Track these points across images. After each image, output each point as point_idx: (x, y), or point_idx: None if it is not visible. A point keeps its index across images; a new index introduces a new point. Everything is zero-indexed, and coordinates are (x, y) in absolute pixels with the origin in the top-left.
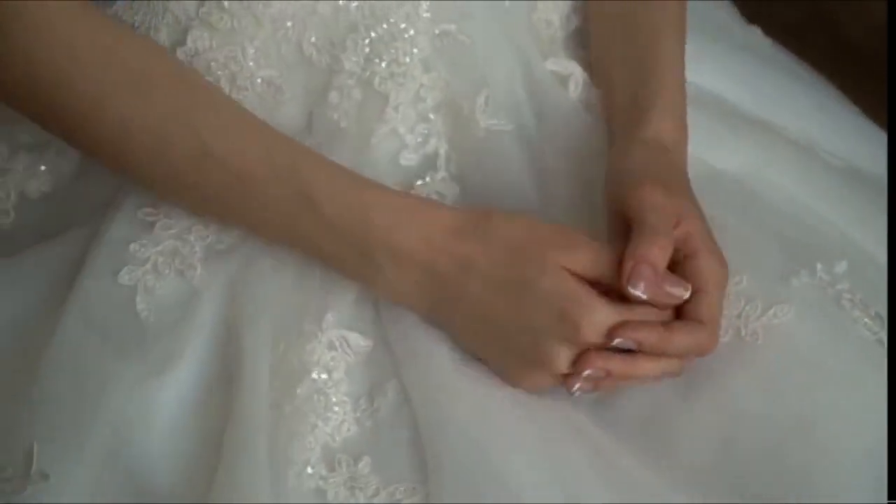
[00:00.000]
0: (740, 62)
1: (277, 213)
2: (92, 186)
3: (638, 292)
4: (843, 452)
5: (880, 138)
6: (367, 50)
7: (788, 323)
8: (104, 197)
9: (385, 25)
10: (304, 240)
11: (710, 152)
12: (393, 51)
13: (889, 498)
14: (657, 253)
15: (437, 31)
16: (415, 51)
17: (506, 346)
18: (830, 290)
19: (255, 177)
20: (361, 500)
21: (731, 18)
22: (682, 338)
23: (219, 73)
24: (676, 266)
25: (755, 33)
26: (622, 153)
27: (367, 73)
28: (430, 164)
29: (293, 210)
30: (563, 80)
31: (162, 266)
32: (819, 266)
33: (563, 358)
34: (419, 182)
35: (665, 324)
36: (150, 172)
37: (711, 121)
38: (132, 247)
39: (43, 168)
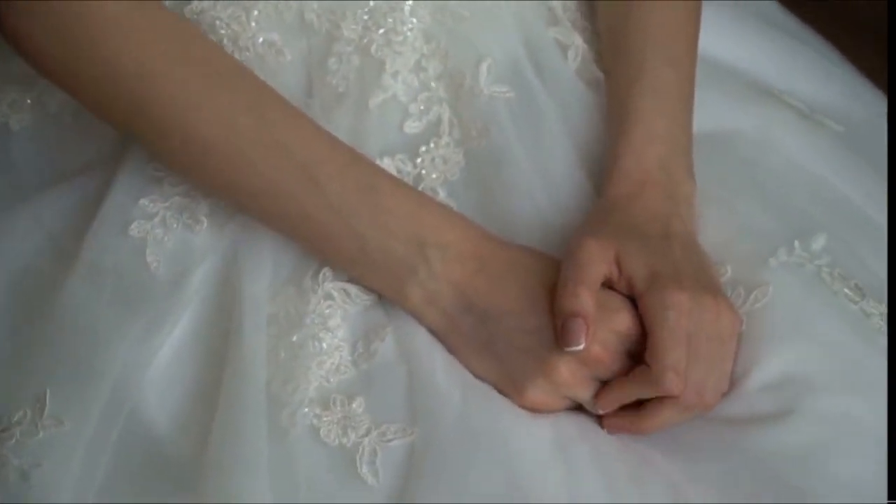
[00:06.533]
0: (743, 25)
1: (339, 199)
2: (85, 132)
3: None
4: (834, 419)
5: (881, 103)
6: (365, 17)
7: (768, 304)
8: (105, 145)
9: None
10: (357, 237)
11: (711, 116)
12: (391, 20)
13: (889, 498)
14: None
15: (436, 4)
16: (413, 20)
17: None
18: (809, 266)
19: (323, 174)
20: (353, 439)
21: None
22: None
23: (222, 31)
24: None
25: None
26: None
27: (365, 41)
28: (433, 131)
29: (355, 199)
30: (565, 49)
31: (170, 220)
32: (797, 244)
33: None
34: (423, 148)
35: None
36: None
37: (713, 85)
38: (142, 201)
39: (29, 101)
